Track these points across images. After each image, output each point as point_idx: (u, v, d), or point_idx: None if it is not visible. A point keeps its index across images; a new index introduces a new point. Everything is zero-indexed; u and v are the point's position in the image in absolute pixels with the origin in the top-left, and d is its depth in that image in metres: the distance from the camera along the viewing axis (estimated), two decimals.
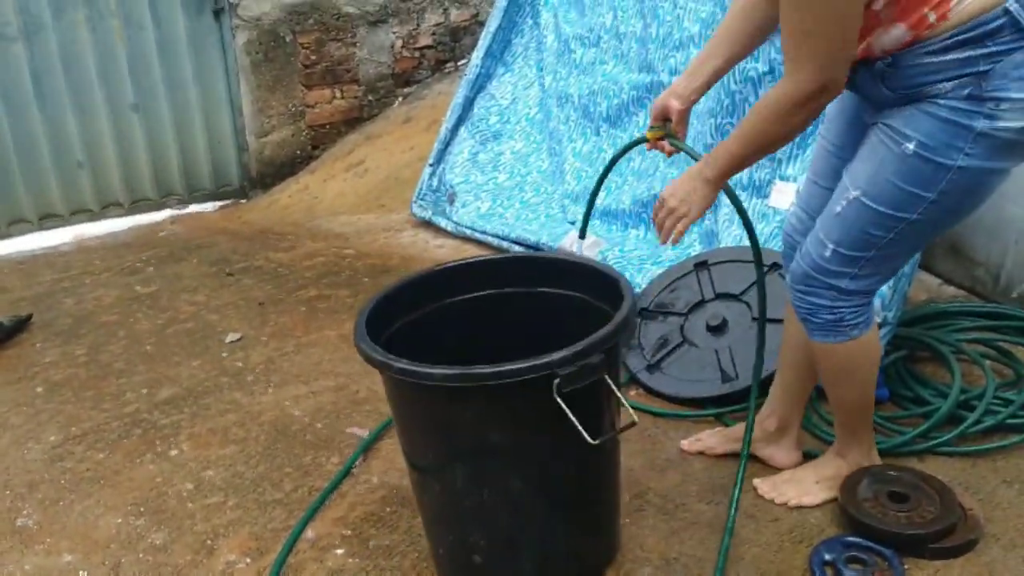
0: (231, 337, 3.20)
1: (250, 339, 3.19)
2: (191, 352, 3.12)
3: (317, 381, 2.85)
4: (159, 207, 4.99)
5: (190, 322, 3.37)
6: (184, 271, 3.93)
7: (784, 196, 2.97)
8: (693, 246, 3.29)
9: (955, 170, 1.69)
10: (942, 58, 1.64)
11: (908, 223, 1.77)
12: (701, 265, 2.93)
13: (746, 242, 3.00)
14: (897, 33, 1.65)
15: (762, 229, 2.98)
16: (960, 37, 1.61)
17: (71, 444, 2.59)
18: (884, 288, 2.52)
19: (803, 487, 2.15)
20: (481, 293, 2.11)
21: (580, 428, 1.64)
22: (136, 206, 4.93)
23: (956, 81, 1.64)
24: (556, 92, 4.09)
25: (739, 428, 2.31)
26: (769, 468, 2.25)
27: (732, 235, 3.06)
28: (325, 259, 3.97)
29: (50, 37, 4.51)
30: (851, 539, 1.95)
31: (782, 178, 3.00)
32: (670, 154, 2.10)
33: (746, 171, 3.11)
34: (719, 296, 2.82)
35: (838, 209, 1.84)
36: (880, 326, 2.51)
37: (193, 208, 5.04)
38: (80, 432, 2.65)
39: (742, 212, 2.03)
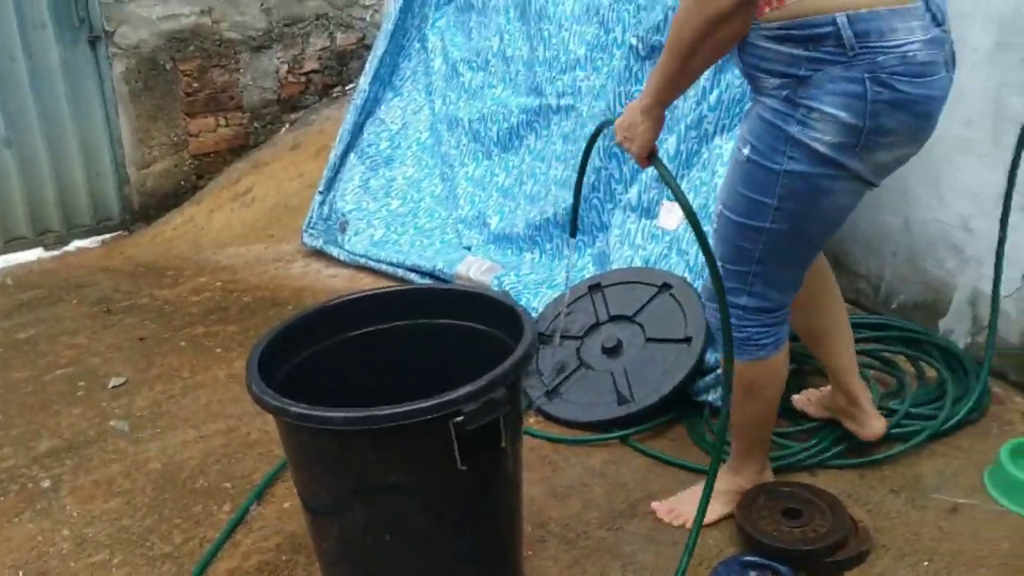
0: (114, 381, 3.07)
1: (135, 382, 3.06)
2: (72, 400, 2.98)
3: (206, 424, 2.76)
4: (35, 245, 4.75)
5: (71, 367, 3.22)
6: (63, 312, 3.76)
7: (672, 216, 3.01)
8: (587, 268, 3.31)
9: (783, 174, 1.73)
10: (774, 47, 1.67)
11: (767, 232, 1.81)
12: (595, 288, 2.95)
13: (637, 263, 3.04)
14: None
15: (652, 250, 3.02)
16: (790, 31, 1.64)
17: None
18: None
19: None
20: (379, 327, 2.07)
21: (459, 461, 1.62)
22: (10, 245, 4.68)
23: (780, 80, 1.69)
24: (446, 116, 4.08)
25: (828, 393, 2.39)
26: (669, 492, 2.27)
27: (624, 257, 3.09)
28: (212, 294, 3.86)
29: None
30: (748, 558, 1.98)
31: (669, 198, 3.04)
32: None
33: (635, 191, 3.16)
34: (613, 318, 2.84)
35: (714, 226, 1.90)
36: None
37: (73, 244, 4.83)
38: None
39: (678, 193, 1.84)
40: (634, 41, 3.10)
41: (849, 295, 3.14)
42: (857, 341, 2.77)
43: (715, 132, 2.93)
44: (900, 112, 1.67)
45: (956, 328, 2.77)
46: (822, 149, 1.69)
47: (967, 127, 2.58)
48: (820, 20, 1.61)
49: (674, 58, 1.74)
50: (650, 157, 1.90)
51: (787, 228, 1.80)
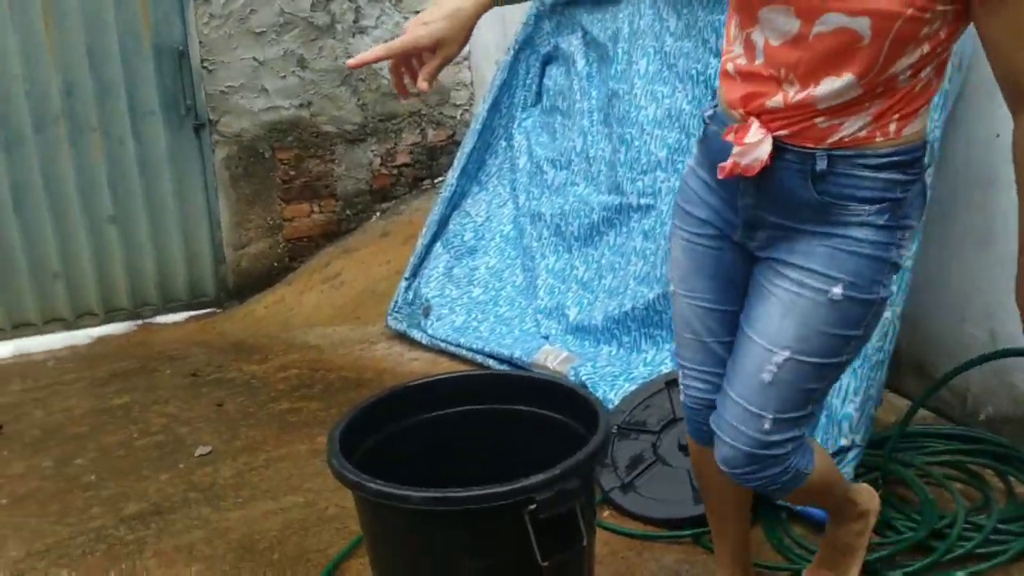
0: (201, 450, 3.17)
1: (220, 452, 3.16)
2: (160, 465, 3.08)
3: (286, 497, 2.82)
4: (134, 317, 4.97)
5: (160, 434, 3.34)
6: (157, 382, 3.91)
7: None
8: (664, 363, 3.33)
9: (878, 303, 1.66)
10: (875, 175, 1.57)
11: (840, 364, 1.71)
12: (672, 383, 2.96)
13: None
14: (862, 122, 1.55)
15: None
16: (896, 158, 1.57)
17: (33, 559, 2.53)
18: (851, 410, 2.56)
19: None
20: (456, 409, 2.11)
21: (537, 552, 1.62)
22: (111, 316, 4.92)
23: (878, 205, 1.60)
24: (529, 211, 4.19)
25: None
26: None
27: None
28: (299, 371, 3.97)
29: (31, 150, 4.58)
30: None
31: None
32: None
33: None
34: None
35: (768, 377, 1.67)
36: (848, 449, 2.53)
37: (168, 318, 5.03)
38: (43, 547, 2.59)
39: None
40: None
41: (934, 405, 3.09)
42: (943, 453, 2.74)
43: None
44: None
45: None
46: (904, 263, 1.72)
47: None
48: (919, 143, 1.60)
49: None
50: None
51: (856, 354, 1.74)
